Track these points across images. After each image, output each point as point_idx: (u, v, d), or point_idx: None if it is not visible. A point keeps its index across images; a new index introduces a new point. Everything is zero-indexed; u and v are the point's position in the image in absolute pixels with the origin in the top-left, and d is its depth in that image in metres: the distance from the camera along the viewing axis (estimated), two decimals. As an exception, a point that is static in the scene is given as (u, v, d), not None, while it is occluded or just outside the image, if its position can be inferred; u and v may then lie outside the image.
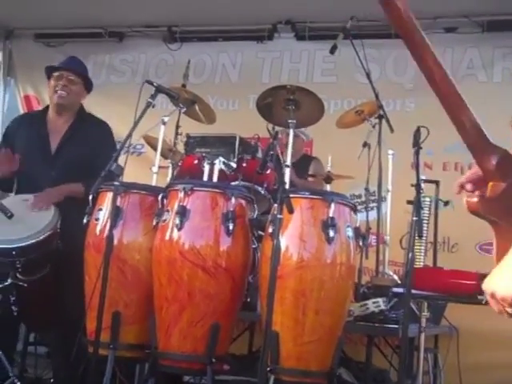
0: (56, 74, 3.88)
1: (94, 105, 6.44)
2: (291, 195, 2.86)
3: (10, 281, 3.43)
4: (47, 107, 4.01)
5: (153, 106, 3.47)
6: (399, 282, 3.96)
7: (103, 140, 3.85)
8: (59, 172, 3.73)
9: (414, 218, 2.96)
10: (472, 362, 4.52)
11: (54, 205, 3.57)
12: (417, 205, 2.97)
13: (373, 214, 4.60)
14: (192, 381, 3.70)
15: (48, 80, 3.94)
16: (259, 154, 4.24)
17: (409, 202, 3.19)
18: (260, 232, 3.35)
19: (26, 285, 3.44)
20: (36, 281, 3.49)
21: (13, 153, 3.82)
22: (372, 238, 4.52)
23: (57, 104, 3.87)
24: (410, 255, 2.99)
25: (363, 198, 4.58)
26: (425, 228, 3.90)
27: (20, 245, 3.36)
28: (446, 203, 4.36)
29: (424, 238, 3.89)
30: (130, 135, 3.28)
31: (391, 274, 4.27)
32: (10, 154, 3.76)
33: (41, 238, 3.40)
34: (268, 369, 2.90)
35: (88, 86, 3.99)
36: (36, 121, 3.96)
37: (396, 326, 3.56)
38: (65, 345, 3.50)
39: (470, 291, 3.47)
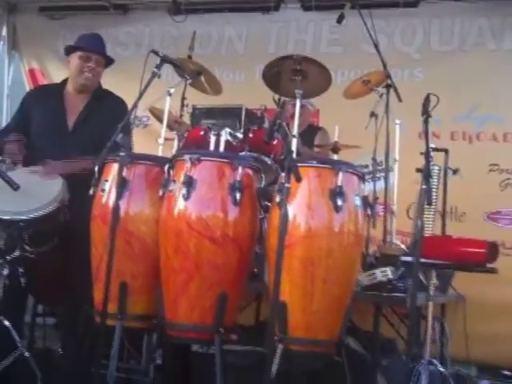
0: (83, 54, 3.81)
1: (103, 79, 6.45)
2: (299, 164, 2.84)
3: (17, 252, 3.44)
4: (65, 81, 3.96)
5: (158, 77, 3.44)
6: (407, 250, 3.94)
7: (120, 118, 3.79)
8: (75, 149, 3.69)
9: (423, 187, 2.93)
10: (479, 331, 4.52)
11: (63, 177, 3.56)
12: (426, 173, 2.94)
13: (380, 184, 4.58)
14: (200, 350, 3.71)
15: (67, 55, 3.89)
16: (266, 125, 4.21)
17: (418, 171, 3.16)
18: (266, 202, 3.34)
19: (33, 256, 3.45)
20: (44, 253, 3.50)
21: (29, 125, 3.82)
22: (379, 208, 4.50)
23: (82, 85, 3.83)
24: (419, 223, 2.97)
25: (370, 168, 4.55)
26: (434, 197, 3.87)
27: (27, 217, 3.36)
28: (455, 171, 4.34)
29: (433, 207, 3.87)
30: (135, 105, 3.26)
31: (398, 243, 4.26)
32: (19, 144, 3.74)
33: (48, 210, 3.40)
34: (276, 338, 2.90)
35: (107, 64, 3.96)
36: (53, 96, 3.91)
37: (403, 295, 3.56)
38: (73, 316, 3.52)
39: (478, 260, 3.46)
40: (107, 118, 3.72)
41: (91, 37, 3.94)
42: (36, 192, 3.47)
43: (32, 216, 3.36)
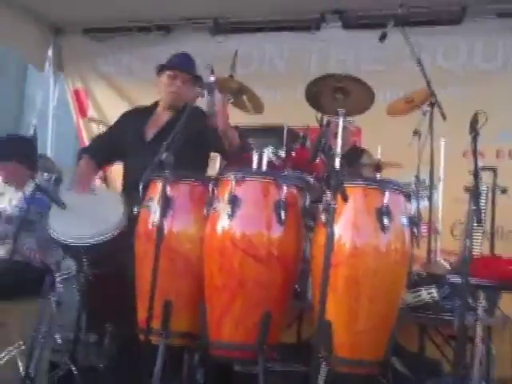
0: (170, 73, 3.86)
1: (143, 99, 6.50)
2: (345, 183, 2.83)
3: (74, 271, 3.49)
4: (158, 102, 4.00)
5: (202, 96, 3.45)
6: (451, 270, 3.88)
7: (202, 130, 3.72)
8: (152, 160, 3.65)
9: (473, 206, 2.88)
10: (527, 354, 4.41)
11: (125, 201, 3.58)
12: (475, 192, 2.89)
13: (423, 203, 4.52)
14: (242, 370, 3.69)
15: (157, 74, 3.93)
16: (308, 144, 4.20)
17: (466, 190, 3.11)
18: (310, 221, 3.32)
19: (90, 277, 3.49)
20: (100, 274, 3.52)
21: (116, 142, 3.93)
22: (422, 228, 4.44)
23: (170, 105, 3.87)
24: (468, 243, 2.92)
25: (413, 187, 4.49)
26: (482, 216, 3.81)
27: (88, 243, 3.40)
28: (504, 191, 4.26)
29: (482, 227, 3.81)
30: (180, 126, 3.26)
31: (443, 262, 4.19)
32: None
33: (109, 236, 3.43)
34: (321, 358, 2.87)
35: (198, 82, 3.91)
36: (144, 113, 3.98)
37: (450, 316, 3.50)
38: (117, 333, 3.55)
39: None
40: (189, 129, 3.54)
41: (179, 56, 3.97)
42: (98, 215, 3.49)
43: (92, 243, 3.40)
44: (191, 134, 3.54)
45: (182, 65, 3.91)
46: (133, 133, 3.90)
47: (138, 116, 4.03)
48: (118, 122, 4.15)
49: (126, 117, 4.15)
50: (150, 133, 3.86)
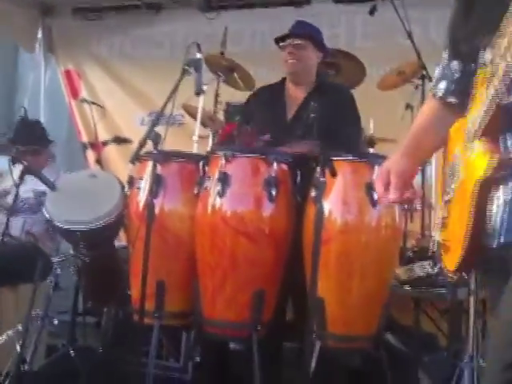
0: (283, 43, 3.67)
1: (135, 79, 6.48)
2: (334, 158, 2.81)
3: (71, 253, 3.48)
4: (285, 78, 3.82)
5: (189, 74, 3.40)
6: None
7: (342, 108, 3.59)
8: (295, 139, 3.51)
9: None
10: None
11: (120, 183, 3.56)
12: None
13: (417, 178, 4.49)
14: (238, 347, 3.69)
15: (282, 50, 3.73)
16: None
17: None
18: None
19: (86, 259, 3.47)
20: (97, 256, 3.52)
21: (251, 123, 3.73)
22: (416, 202, 4.42)
23: (290, 74, 3.68)
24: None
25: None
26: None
27: (84, 228, 3.37)
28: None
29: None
30: (167, 102, 3.21)
31: (437, 236, 4.17)
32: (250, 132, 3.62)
33: (106, 221, 3.39)
34: (314, 335, 2.88)
35: (319, 46, 3.72)
36: (274, 91, 3.79)
37: (444, 290, 3.49)
38: (115, 315, 3.55)
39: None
40: (330, 108, 3.50)
41: (293, 25, 3.75)
42: (95, 200, 3.46)
43: (89, 228, 3.37)
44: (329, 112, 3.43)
45: (291, 30, 3.68)
46: (271, 113, 3.69)
47: (268, 96, 3.79)
48: (248, 106, 3.93)
49: (256, 98, 3.92)
50: (289, 112, 3.66)
